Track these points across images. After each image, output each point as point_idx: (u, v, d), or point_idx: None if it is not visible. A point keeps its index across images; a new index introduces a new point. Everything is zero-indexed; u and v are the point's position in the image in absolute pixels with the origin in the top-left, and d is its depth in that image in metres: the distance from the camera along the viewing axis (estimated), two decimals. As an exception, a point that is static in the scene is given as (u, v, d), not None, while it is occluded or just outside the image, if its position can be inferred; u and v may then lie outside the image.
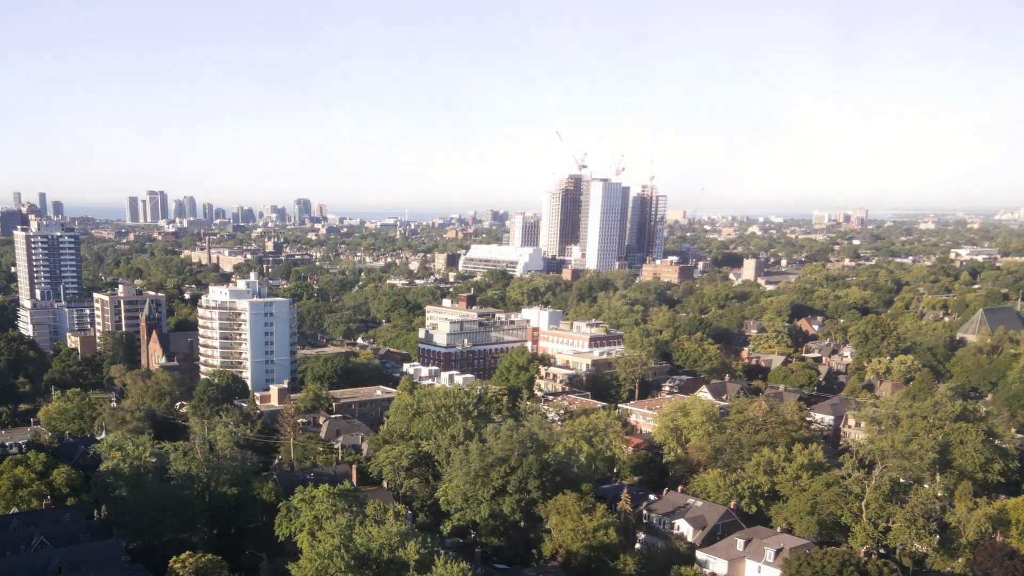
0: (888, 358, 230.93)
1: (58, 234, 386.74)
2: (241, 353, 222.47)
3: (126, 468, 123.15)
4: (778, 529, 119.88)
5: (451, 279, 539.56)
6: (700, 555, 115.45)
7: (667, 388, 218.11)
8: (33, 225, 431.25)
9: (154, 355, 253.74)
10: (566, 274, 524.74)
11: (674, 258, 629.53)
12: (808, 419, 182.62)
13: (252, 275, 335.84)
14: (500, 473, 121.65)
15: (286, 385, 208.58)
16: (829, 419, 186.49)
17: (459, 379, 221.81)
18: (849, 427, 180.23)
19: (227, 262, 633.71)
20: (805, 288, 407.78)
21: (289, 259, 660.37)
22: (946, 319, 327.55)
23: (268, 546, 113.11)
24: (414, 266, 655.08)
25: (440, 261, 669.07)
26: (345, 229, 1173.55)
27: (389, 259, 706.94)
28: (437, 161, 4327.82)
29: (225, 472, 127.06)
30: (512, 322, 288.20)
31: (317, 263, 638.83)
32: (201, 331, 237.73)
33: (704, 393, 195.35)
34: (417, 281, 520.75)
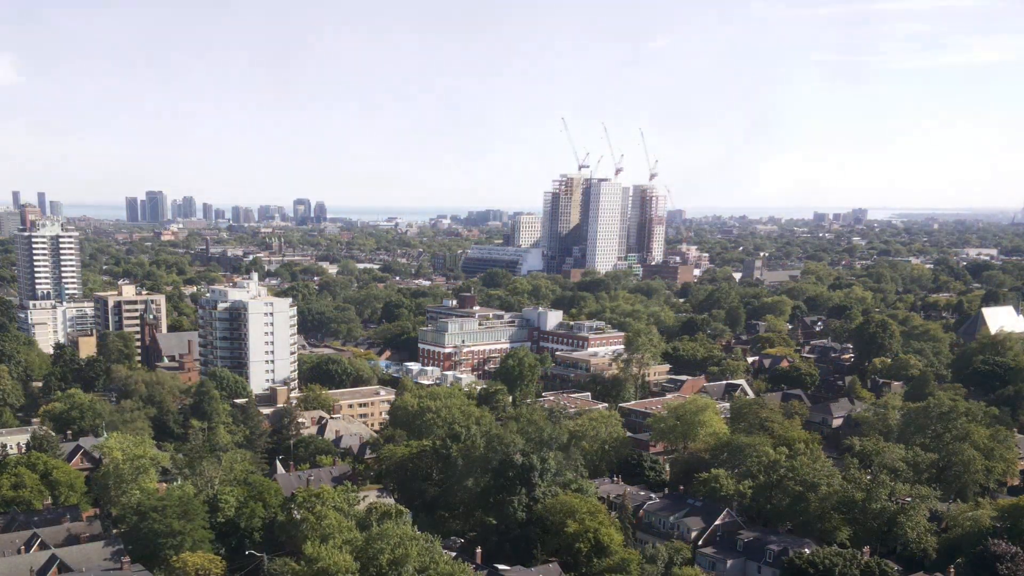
0: (889, 358, 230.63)
1: (58, 234, 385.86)
2: (241, 353, 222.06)
3: (126, 468, 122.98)
4: (779, 529, 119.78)
5: (451, 279, 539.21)
6: (700, 555, 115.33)
7: (667, 388, 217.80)
8: (33, 225, 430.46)
9: (154, 355, 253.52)
10: (566, 274, 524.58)
11: (675, 258, 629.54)
12: (809, 419, 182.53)
13: (252, 275, 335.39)
14: (501, 473, 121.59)
15: (286, 385, 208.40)
16: (830, 419, 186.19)
17: (460, 379, 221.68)
18: (850, 427, 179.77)
19: (226, 262, 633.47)
20: (806, 287, 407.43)
21: (288, 259, 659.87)
22: (947, 319, 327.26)
23: (268, 546, 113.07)
24: (414, 266, 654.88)
25: (440, 261, 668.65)
26: (344, 229, 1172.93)
27: (389, 259, 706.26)
28: (438, 161, 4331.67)
29: (225, 472, 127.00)
30: (513, 322, 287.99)
31: (316, 263, 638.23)
32: (200, 331, 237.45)
33: (704, 393, 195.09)
34: (417, 281, 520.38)
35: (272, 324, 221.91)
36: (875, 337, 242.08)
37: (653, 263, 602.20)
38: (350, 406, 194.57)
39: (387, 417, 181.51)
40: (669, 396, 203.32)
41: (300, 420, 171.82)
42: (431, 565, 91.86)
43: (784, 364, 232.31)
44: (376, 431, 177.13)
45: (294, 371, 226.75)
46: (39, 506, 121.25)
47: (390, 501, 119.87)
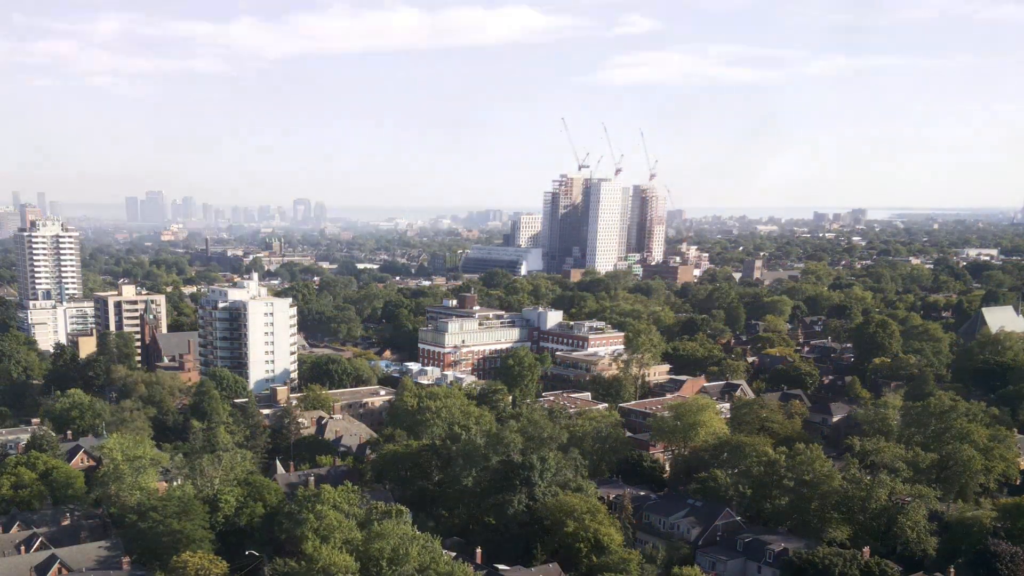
0: (889, 358, 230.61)
1: (58, 234, 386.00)
2: (241, 353, 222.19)
3: (126, 468, 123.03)
4: (779, 529, 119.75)
5: (451, 279, 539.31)
6: (701, 555, 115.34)
7: (667, 388, 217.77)
8: (33, 225, 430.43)
9: (154, 355, 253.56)
10: (566, 274, 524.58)
11: (675, 257, 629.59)
12: (809, 419, 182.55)
13: (252, 274, 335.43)
14: (501, 473, 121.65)
15: (286, 385, 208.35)
16: (830, 419, 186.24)
17: (460, 379, 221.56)
18: (850, 427, 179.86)
19: (226, 262, 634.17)
20: (806, 288, 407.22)
21: (288, 259, 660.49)
22: (947, 319, 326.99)
23: (268, 546, 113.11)
24: (414, 266, 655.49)
25: (440, 261, 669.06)
26: (344, 229, 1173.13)
27: (389, 259, 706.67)
28: (438, 161, 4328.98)
29: (225, 472, 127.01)
30: (512, 322, 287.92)
31: (316, 263, 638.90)
32: (200, 331, 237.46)
33: (704, 393, 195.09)
34: (417, 281, 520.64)
35: (272, 324, 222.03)
36: (875, 337, 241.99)
37: (653, 263, 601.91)
38: (351, 406, 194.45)
39: (387, 417, 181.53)
40: (669, 396, 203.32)
41: (300, 420, 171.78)
42: (431, 565, 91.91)
43: (784, 364, 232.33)
44: (375, 431, 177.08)
45: (294, 371, 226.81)
46: (39, 506, 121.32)
47: (391, 501, 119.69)
